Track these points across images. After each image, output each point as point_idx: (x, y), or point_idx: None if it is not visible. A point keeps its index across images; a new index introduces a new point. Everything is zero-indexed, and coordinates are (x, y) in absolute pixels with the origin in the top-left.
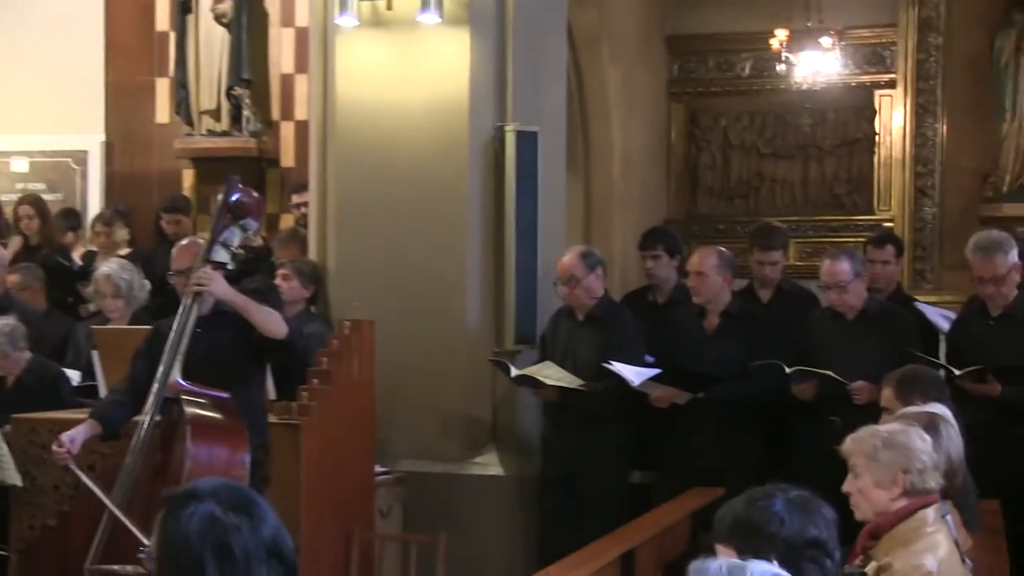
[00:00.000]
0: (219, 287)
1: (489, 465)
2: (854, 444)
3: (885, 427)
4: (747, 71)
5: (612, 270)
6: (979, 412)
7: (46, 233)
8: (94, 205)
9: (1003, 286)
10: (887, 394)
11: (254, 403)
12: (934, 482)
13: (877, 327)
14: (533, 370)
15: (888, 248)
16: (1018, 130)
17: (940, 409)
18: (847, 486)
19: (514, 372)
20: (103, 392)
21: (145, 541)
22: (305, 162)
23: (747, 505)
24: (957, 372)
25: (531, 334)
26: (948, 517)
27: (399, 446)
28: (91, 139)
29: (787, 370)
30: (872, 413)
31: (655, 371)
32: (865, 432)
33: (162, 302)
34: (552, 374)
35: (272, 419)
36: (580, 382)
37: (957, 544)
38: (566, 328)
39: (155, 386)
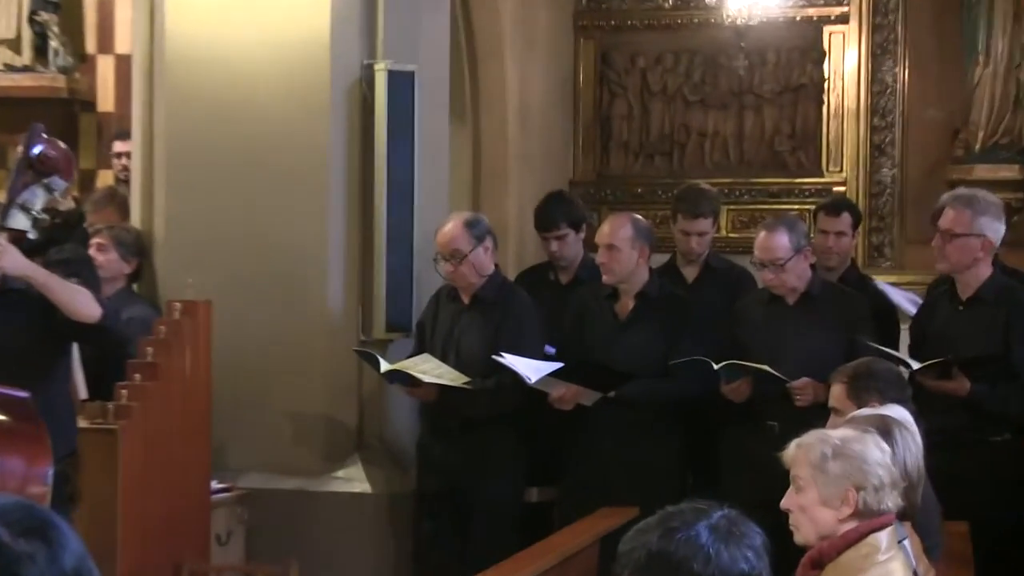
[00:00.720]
0: (11, 260)
1: (353, 480)
2: (799, 451)
3: (837, 432)
4: (670, 1)
5: (505, 242)
6: (944, 415)
7: None
8: None
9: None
10: (837, 393)
11: (59, 403)
12: (891, 502)
13: (823, 312)
14: (408, 364)
15: (844, 217)
16: (993, 76)
17: (898, 412)
18: (787, 502)
19: (384, 366)
20: None
21: None
22: (127, 105)
23: (663, 535)
24: (916, 366)
25: (406, 320)
26: (906, 542)
27: (241, 457)
28: None
29: (715, 366)
30: (817, 417)
31: (555, 365)
32: (813, 437)
33: None
34: (431, 369)
35: (82, 423)
36: (465, 379)
37: (916, 575)
38: (448, 313)
39: None
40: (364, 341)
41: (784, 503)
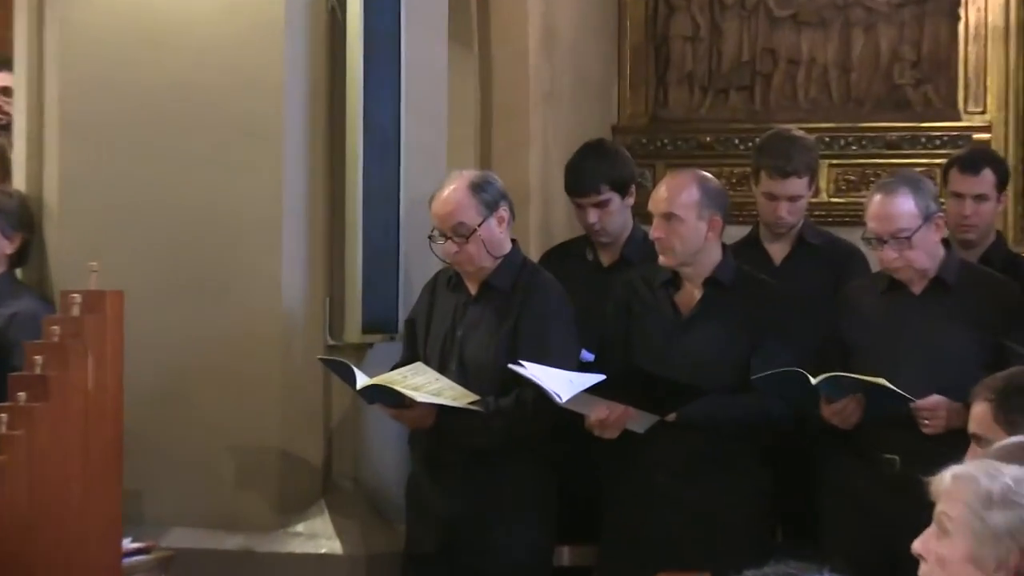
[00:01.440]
0: None
1: (318, 537)
2: (955, 485)
3: (1013, 470)
4: None
5: (525, 209)
6: None
7: None
8: None
9: None
10: (981, 414)
11: None
12: None
13: (962, 305)
14: (394, 377)
15: (986, 175)
16: None
17: None
18: (922, 545)
19: (362, 381)
20: None
21: None
22: (8, 30)
23: None
24: None
25: (390, 317)
26: None
27: (164, 505)
28: None
29: (812, 379)
30: (952, 447)
31: (595, 378)
32: (979, 470)
33: None
34: (425, 384)
35: None
36: (472, 397)
37: None
38: (449, 307)
39: None
40: (333, 346)
41: (918, 546)
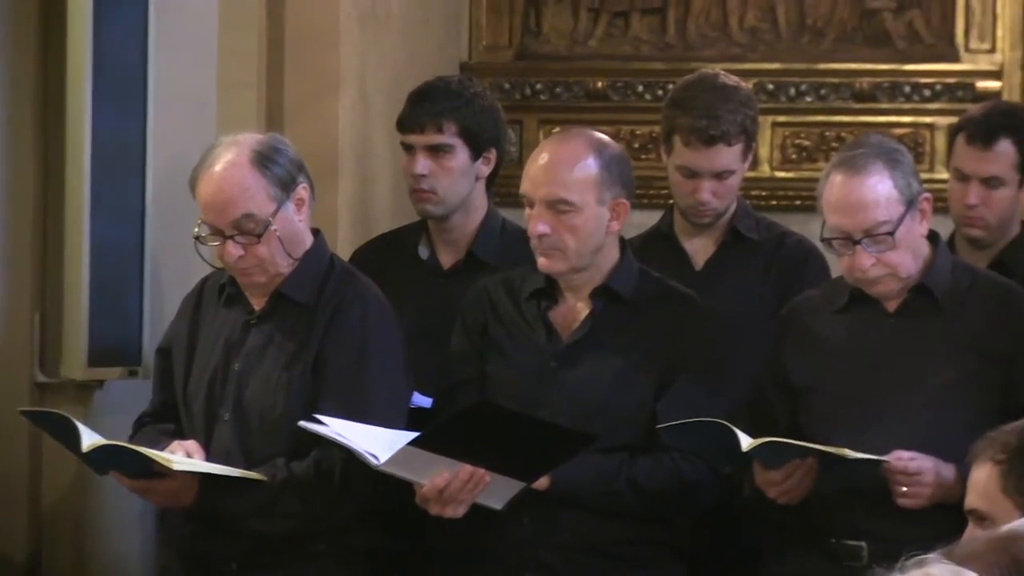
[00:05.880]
0: None
1: None
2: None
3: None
4: None
5: (330, 184)
6: None
7: None
8: None
9: None
10: (983, 480)
11: None
12: None
13: (957, 327)
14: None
15: (1003, 149)
16: None
17: None
18: None
19: (89, 439)
20: None
21: None
22: None
23: None
24: None
25: (129, 343)
26: None
27: None
28: None
29: (743, 439)
30: (940, 530)
31: (415, 433)
32: (944, 571)
33: None
34: (179, 450)
35: None
36: (256, 476)
37: None
38: (223, 329)
39: None
40: (45, 386)
41: None
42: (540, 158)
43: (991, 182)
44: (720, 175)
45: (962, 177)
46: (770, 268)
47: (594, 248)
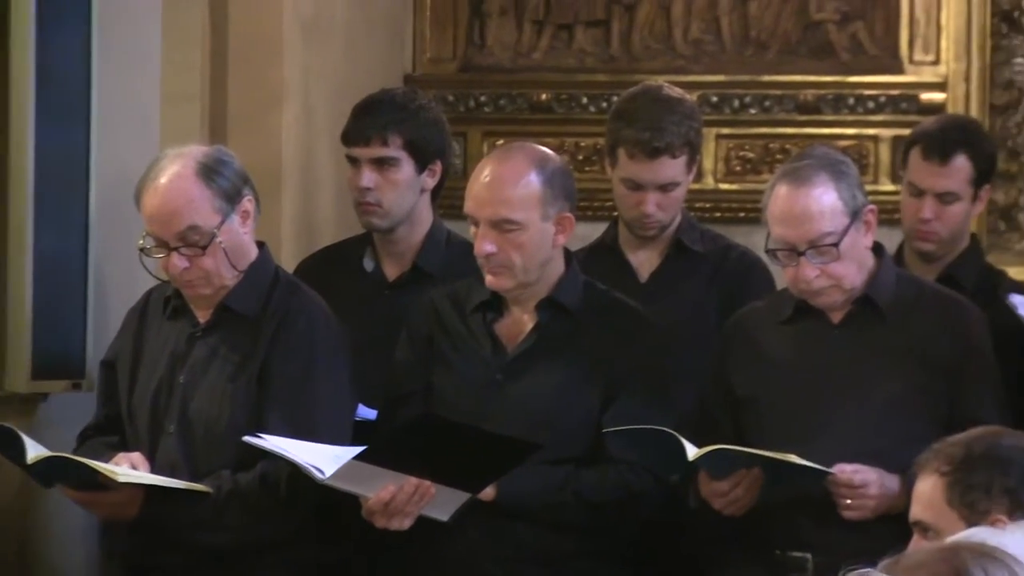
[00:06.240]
0: None
1: None
2: None
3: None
4: None
5: (274, 197)
6: None
7: None
8: None
9: None
10: (928, 492)
11: None
12: None
13: (901, 338)
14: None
15: (958, 164)
16: None
17: None
18: None
19: (34, 451)
20: None
21: None
22: None
23: None
24: None
25: (73, 356)
26: None
27: None
28: None
29: (689, 448)
30: (885, 540)
31: (360, 447)
32: (921, 558)
33: None
34: (124, 462)
35: None
36: (201, 488)
37: None
38: (168, 341)
39: None
40: None
41: None
42: (482, 176)
43: (946, 197)
44: (665, 187)
45: (917, 192)
46: (715, 280)
47: (541, 263)
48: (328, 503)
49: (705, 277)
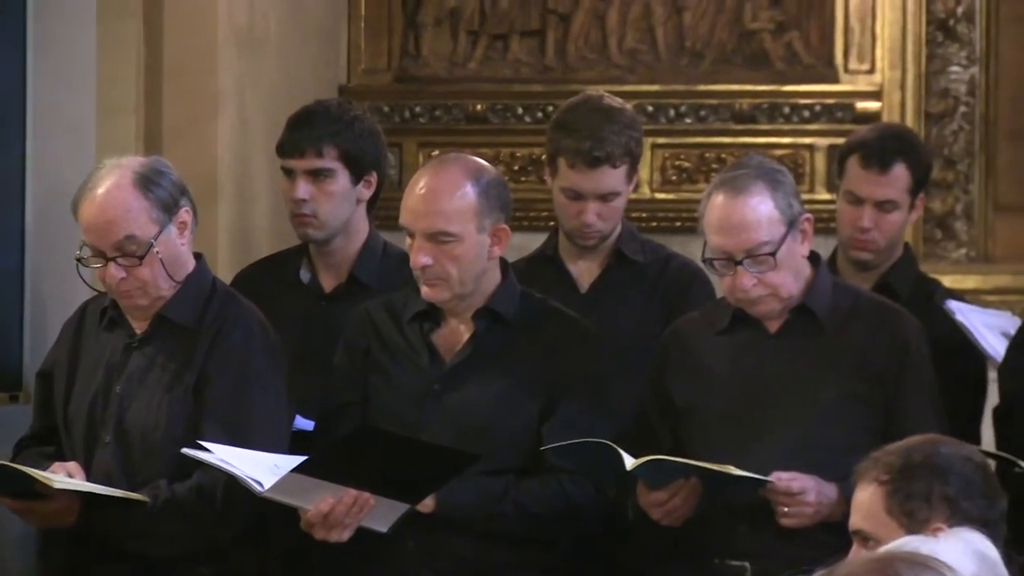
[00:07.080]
0: None
1: None
2: None
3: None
4: None
5: (210, 207)
6: None
7: None
8: None
9: None
10: (868, 500)
11: None
12: None
13: (838, 347)
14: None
15: (897, 174)
16: None
17: (977, 544)
18: None
19: None
20: None
21: None
22: None
23: None
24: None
25: (10, 368)
26: None
27: None
28: None
29: (627, 458)
30: (824, 549)
31: (299, 458)
32: (855, 568)
33: None
34: (60, 471)
35: None
36: (127, 493)
37: None
38: (102, 353)
39: None
40: None
41: None
42: (418, 188)
43: (886, 205)
44: (605, 197)
45: (855, 200)
46: (655, 290)
47: (477, 275)
48: (262, 512)
49: (646, 287)
